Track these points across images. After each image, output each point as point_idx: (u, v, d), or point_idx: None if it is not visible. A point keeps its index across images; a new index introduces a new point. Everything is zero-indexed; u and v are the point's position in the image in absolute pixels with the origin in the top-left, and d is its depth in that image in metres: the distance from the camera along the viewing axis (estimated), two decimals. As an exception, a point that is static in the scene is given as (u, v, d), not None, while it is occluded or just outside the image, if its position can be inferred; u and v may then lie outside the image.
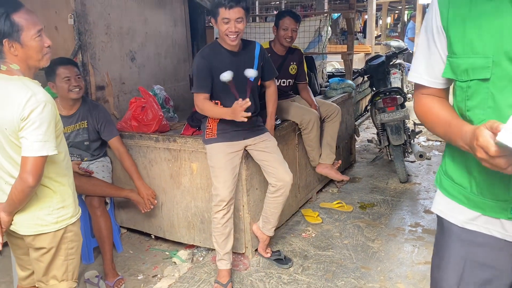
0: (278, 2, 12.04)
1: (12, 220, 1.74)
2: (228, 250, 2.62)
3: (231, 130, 2.57)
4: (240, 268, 2.84)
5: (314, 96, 3.74)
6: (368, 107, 4.90)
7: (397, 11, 19.52)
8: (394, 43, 7.70)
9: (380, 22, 13.87)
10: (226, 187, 2.53)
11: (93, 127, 2.87)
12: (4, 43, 1.63)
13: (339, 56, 4.89)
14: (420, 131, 4.83)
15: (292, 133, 3.41)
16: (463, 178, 1.23)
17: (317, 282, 2.65)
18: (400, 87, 6.08)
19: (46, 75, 2.67)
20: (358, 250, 2.99)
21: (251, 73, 2.40)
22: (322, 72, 5.10)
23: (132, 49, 3.63)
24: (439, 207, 1.32)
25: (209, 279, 2.73)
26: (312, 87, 4.07)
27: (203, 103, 2.50)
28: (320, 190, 4.02)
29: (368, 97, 5.70)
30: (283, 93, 3.44)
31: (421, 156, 4.21)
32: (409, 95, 7.33)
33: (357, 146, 5.12)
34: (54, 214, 1.75)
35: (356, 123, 5.27)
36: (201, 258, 3.00)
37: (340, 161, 3.69)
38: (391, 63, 5.69)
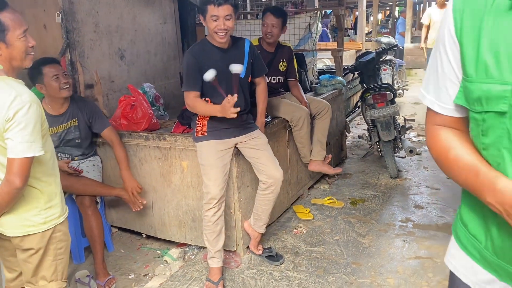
0: (269, 0, 12.00)
1: None
2: (219, 248, 2.63)
3: (221, 127, 2.56)
4: (232, 265, 2.84)
5: (305, 93, 3.74)
6: (359, 104, 4.92)
7: (388, 8, 19.62)
8: (384, 39, 7.75)
9: (371, 18, 13.92)
10: (216, 185, 2.52)
11: (84, 123, 2.85)
12: None
13: (330, 53, 4.89)
14: (410, 127, 4.86)
15: (282, 130, 3.41)
16: (479, 229, 1.02)
17: (308, 278, 2.66)
18: (391, 83, 6.12)
19: (31, 78, 2.63)
20: (349, 246, 3.01)
21: (236, 67, 2.38)
22: (313, 69, 5.11)
23: (121, 47, 3.61)
24: (452, 261, 1.12)
25: (200, 277, 2.73)
26: (303, 84, 4.08)
27: (193, 101, 2.49)
28: (312, 187, 4.03)
29: (359, 94, 5.73)
30: (273, 90, 3.44)
31: (411, 151, 4.23)
32: (399, 91, 7.40)
33: (348, 142, 5.15)
34: (41, 214, 1.73)
35: (347, 119, 5.29)
36: (192, 256, 3.00)
37: (330, 156, 3.70)
38: (381, 59, 5.73)
